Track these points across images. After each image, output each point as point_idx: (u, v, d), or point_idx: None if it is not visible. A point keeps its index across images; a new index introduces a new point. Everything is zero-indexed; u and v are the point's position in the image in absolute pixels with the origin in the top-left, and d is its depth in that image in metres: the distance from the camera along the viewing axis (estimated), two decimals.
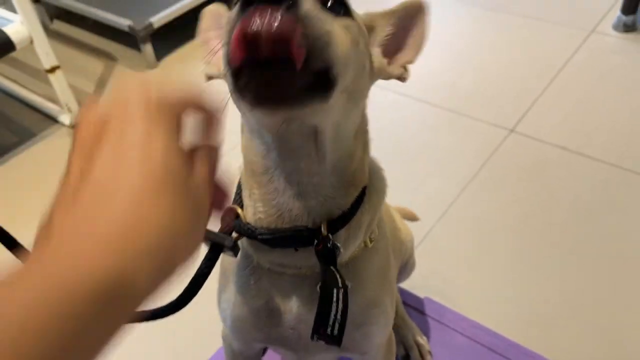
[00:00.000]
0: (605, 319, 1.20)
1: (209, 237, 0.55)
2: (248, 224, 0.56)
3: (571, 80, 1.87)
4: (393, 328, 0.77)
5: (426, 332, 1.02)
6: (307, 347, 0.63)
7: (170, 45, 2.29)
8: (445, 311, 1.06)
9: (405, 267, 0.91)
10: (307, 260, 0.56)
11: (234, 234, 0.56)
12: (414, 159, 1.64)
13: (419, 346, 0.97)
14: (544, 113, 1.75)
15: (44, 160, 1.82)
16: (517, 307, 1.23)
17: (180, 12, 2.22)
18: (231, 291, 0.63)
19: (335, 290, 0.56)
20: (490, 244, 1.39)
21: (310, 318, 0.56)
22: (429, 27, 0.61)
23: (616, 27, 2.06)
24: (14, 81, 2.16)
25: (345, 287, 0.56)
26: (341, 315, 0.56)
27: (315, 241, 0.55)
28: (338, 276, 0.56)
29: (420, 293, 1.18)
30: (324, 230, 0.55)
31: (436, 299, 1.15)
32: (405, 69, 0.60)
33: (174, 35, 2.28)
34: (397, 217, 0.89)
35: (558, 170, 1.57)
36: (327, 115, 0.49)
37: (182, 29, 2.25)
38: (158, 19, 2.16)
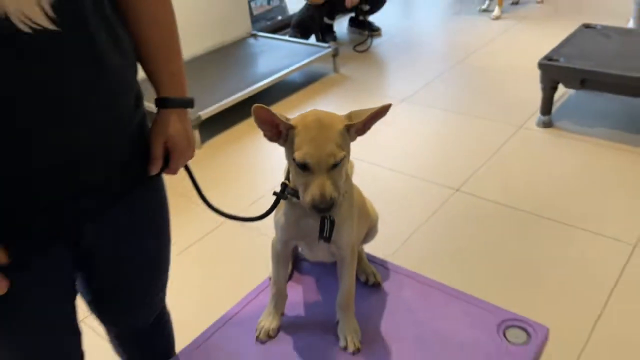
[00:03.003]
0: None
1: (276, 193, 1.22)
2: (291, 189, 1.23)
3: (505, 158, 2.62)
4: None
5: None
6: (314, 244, 1.21)
7: (214, 131, 3.07)
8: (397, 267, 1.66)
9: (371, 232, 1.54)
10: None
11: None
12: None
13: (372, 273, 1.55)
14: (484, 179, 2.49)
15: None
16: None
17: (224, 107, 3.03)
18: (282, 213, 1.29)
19: (326, 221, 1.21)
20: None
21: (316, 232, 1.22)
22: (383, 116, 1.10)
23: (538, 124, 2.85)
24: None
25: (331, 219, 1.22)
26: (329, 229, 1.22)
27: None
28: (328, 215, 1.22)
29: None
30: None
31: None
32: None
33: (217, 124, 3.07)
34: (368, 203, 1.53)
35: (494, 220, 2.27)
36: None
37: (222, 120, 3.04)
38: (205, 113, 2.95)
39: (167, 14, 1.02)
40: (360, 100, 3.30)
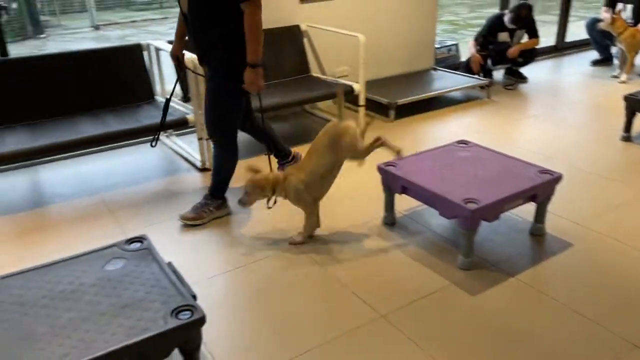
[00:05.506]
0: None
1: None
2: None
3: (591, 149, 4.06)
4: None
5: None
6: None
7: (404, 114, 4.89)
8: None
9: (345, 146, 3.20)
10: None
11: None
12: None
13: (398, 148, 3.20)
14: (578, 150, 3.96)
15: None
16: None
17: (412, 100, 4.86)
18: None
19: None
20: None
21: None
22: None
23: (619, 139, 4.23)
24: None
25: None
26: None
27: None
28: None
29: None
30: None
31: None
32: None
33: (406, 110, 4.88)
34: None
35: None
36: None
37: (410, 108, 4.86)
38: (401, 101, 4.79)
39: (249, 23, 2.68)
40: (500, 115, 4.92)
